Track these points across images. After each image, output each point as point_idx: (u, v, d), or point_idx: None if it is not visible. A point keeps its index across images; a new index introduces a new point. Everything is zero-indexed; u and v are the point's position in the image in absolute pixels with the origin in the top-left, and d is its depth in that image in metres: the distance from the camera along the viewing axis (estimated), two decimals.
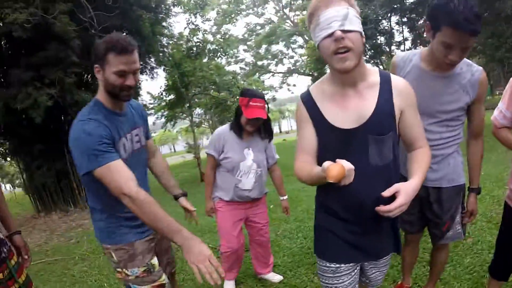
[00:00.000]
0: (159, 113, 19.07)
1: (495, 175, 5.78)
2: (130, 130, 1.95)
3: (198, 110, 20.18)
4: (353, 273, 1.73)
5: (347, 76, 1.49)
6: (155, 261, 2.04)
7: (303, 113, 1.64)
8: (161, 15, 11.78)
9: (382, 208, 1.42)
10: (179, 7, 13.81)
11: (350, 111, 1.54)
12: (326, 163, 1.34)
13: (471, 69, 2.01)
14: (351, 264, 1.70)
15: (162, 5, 11.72)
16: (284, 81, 35.77)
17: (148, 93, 16.15)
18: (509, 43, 15.42)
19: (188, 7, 14.49)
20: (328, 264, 1.71)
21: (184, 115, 21.03)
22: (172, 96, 16.56)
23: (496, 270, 2.29)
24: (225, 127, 3.13)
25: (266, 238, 3.35)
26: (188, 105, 16.61)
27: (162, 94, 17.21)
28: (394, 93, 1.54)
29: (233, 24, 18.82)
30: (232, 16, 16.62)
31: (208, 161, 3.18)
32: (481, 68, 2.04)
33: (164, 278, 2.05)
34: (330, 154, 1.45)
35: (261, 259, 3.43)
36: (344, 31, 1.36)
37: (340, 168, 1.28)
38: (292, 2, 25.38)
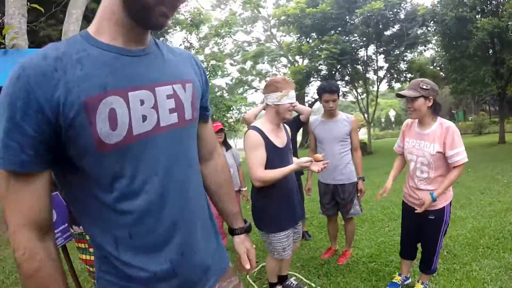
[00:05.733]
0: None
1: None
2: (156, 84, 1.05)
3: None
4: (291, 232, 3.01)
5: (282, 121, 2.87)
6: None
7: (258, 139, 2.71)
8: (159, 32, 12.70)
9: (321, 166, 2.79)
10: (178, 25, 14.91)
11: (280, 138, 2.83)
12: (307, 157, 2.75)
13: (347, 116, 3.86)
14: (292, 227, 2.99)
15: None
16: None
17: None
18: (471, 78, 17.41)
19: (185, 25, 15.62)
20: (284, 233, 2.89)
21: None
22: None
23: (404, 252, 3.27)
24: None
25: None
26: None
27: None
28: (287, 129, 3.02)
29: (222, 45, 19.92)
30: (223, 34, 17.78)
31: None
32: (352, 115, 3.90)
33: None
34: (273, 163, 2.72)
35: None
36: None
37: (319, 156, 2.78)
38: (281, 26, 26.87)
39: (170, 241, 1.08)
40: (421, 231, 3.03)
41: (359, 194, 3.87)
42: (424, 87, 2.76)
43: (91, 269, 2.51)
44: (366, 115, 22.34)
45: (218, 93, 20.01)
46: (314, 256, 4.30)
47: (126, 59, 1.01)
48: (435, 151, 2.76)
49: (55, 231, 2.50)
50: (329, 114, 3.81)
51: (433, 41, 20.63)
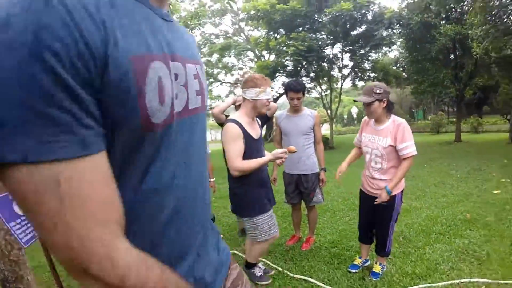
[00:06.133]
0: None
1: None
2: (185, 59, 0.87)
3: None
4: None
5: (257, 114, 3.09)
6: None
7: (238, 132, 2.89)
8: None
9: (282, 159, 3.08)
10: None
11: (255, 130, 3.04)
12: (282, 149, 3.03)
13: (311, 112, 4.07)
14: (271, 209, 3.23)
15: None
16: (232, 90, 37.13)
17: None
18: (431, 79, 18.25)
19: None
20: (267, 214, 3.13)
21: None
22: None
23: (362, 237, 3.62)
24: None
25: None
26: None
27: None
28: (259, 123, 3.27)
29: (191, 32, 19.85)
30: (192, 26, 17.72)
31: None
32: (315, 111, 4.15)
33: None
34: (249, 154, 2.93)
35: None
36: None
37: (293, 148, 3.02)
38: (250, 20, 26.97)
39: (193, 245, 0.91)
40: (375, 217, 3.36)
41: (321, 184, 4.13)
42: (378, 91, 3.07)
43: None
44: (329, 111, 22.78)
45: None
46: (280, 243, 4.50)
47: (158, 19, 0.78)
48: (387, 144, 3.09)
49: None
50: (294, 110, 4.02)
51: (398, 43, 21.23)
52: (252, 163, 2.91)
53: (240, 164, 2.89)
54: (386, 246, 3.35)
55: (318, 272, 3.60)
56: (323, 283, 3.33)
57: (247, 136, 2.94)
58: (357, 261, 3.67)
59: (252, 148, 2.98)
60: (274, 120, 4.29)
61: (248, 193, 3.09)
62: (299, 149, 3.89)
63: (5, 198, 2.30)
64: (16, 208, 2.34)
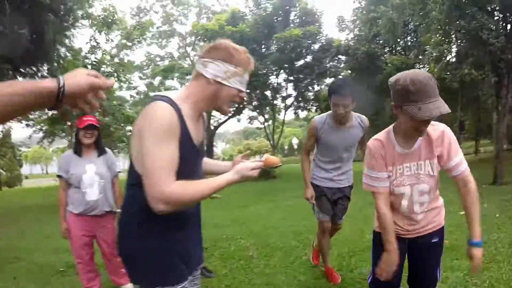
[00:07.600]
0: (37, 127, 18.07)
1: None
2: None
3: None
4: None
5: (209, 108, 1.69)
6: None
7: (175, 123, 1.45)
8: (66, 24, 11.16)
9: None
10: (87, 20, 13.57)
11: (198, 132, 1.60)
12: (253, 163, 1.61)
13: (361, 120, 3.19)
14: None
15: (71, 14, 11.18)
16: None
17: None
18: (373, 110, 18.68)
19: (96, 23, 14.34)
20: (181, 285, 1.59)
21: (64, 133, 19.94)
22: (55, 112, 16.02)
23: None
24: (69, 151, 3.64)
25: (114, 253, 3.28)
26: (69, 124, 16.07)
27: None
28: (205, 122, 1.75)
29: (132, 51, 18.98)
30: (135, 42, 16.88)
31: (60, 183, 3.48)
32: (365, 117, 3.24)
33: None
34: (184, 170, 1.48)
35: (115, 272, 3.64)
36: None
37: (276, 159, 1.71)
38: (196, 43, 26.46)
39: None
40: (420, 261, 2.22)
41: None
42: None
43: None
44: (271, 142, 22.72)
45: (115, 102, 18.58)
46: None
47: None
48: (435, 170, 1.98)
49: None
50: (339, 121, 3.17)
51: (343, 73, 21.69)
52: (200, 187, 1.49)
53: (176, 188, 1.41)
54: None
55: None
56: None
57: (185, 136, 1.50)
58: None
59: (189, 160, 1.55)
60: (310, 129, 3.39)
61: (161, 247, 1.59)
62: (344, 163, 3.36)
63: None
64: None
